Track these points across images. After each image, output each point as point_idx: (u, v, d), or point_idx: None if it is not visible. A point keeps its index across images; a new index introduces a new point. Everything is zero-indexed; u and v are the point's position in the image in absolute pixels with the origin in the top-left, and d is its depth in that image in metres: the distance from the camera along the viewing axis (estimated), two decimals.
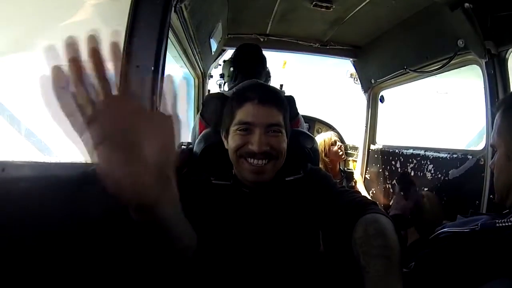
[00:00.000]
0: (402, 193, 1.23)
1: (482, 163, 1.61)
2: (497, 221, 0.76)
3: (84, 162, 0.85)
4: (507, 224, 0.73)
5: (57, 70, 0.43)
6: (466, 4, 1.44)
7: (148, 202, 0.49)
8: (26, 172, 0.70)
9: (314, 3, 1.90)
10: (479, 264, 0.69)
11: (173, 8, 1.18)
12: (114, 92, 0.47)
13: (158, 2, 1.09)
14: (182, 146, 1.78)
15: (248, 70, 1.81)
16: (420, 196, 1.27)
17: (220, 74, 2.09)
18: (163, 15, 1.10)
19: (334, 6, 1.93)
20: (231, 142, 1.02)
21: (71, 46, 0.44)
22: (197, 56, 2.17)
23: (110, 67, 0.47)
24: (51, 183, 0.75)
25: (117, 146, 0.46)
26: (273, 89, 1.48)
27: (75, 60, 0.44)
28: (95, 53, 0.45)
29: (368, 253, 0.75)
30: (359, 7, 1.93)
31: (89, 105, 0.45)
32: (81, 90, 0.44)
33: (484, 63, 1.58)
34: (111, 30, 0.48)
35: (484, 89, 1.60)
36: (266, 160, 0.98)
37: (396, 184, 1.28)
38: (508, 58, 1.54)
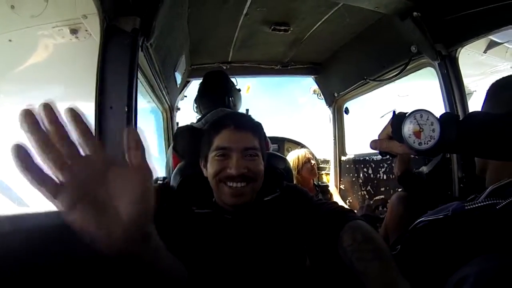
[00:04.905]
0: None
1: (448, 156, 1.69)
2: (465, 205, 0.83)
3: None
4: (474, 206, 0.80)
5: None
6: (415, 13, 1.54)
7: (128, 253, 0.49)
8: (18, 224, 0.67)
9: (272, 27, 1.96)
10: (455, 246, 0.76)
11: (139, 48, 1.17)
12: (83, 151, 0.47)
13: (126, 43, 1.08)
14: (158, 182, 1.74)
15: (209, 101, 1.84)
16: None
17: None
18: (131, 55, 1.10)
19: (291, 28, 2.00)
20: (210, 168, 1.04)
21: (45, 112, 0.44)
22: (163, 91, 2.16)
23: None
24: (41, 234, 0.73)
25: (90, 207, 0.46)
26: (248, 116, 1.51)
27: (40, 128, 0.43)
28: (56, 120, 0.45)
29: (363, 258, 0.78)
30: (316, 26, 2.02)
31: (58, 171, 0.44)
32: (50, 156, 0.44)
33: (437, 64, 1.68)
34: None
35: (440, 88, 1.70)
36: (244, 183, 1.00)
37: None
38: (458, 57, 1.64)
